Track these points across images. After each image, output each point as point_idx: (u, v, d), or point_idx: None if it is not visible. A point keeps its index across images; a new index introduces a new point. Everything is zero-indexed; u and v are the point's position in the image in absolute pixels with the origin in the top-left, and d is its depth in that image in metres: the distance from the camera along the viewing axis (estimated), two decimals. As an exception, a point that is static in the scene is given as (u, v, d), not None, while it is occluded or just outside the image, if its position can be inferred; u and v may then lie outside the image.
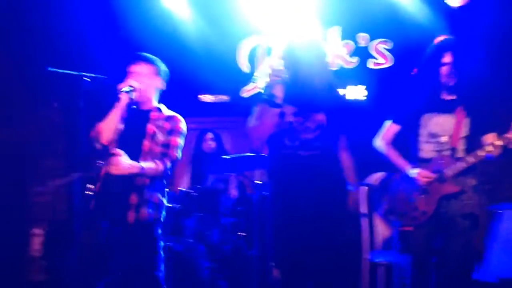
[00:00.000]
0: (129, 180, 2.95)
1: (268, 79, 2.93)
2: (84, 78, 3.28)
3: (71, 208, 5.07)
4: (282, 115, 2.92)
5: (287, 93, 2.91)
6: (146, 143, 3.04)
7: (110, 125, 2.99)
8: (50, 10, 5.02)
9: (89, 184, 3.57)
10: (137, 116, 3.07)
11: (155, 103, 3.15)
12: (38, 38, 5.04)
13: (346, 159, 3.09)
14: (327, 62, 3.13)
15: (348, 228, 3.38)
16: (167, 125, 3.10)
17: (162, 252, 3.09)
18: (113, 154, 2.89)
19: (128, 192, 2.98)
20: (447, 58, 3.10)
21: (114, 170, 2.86)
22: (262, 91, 3.11)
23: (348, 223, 3.33)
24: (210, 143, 5.01)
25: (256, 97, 3.12)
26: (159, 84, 3.16)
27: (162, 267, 3.08)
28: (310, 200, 2.92)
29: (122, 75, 3.36)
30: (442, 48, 3.15)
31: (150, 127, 3.06)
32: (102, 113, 3.85)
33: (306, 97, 2.97)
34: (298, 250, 2.95)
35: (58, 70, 3.45)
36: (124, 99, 2.98)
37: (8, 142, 4.73)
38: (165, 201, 3.13)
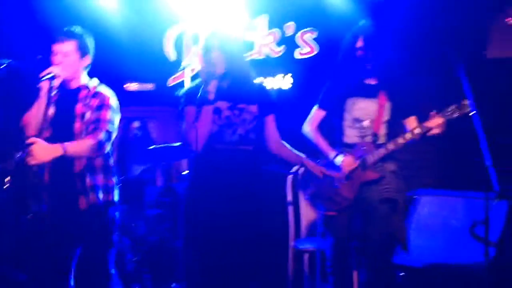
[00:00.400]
0: (67, 167, 2.89)
1: (200, 77, 2.86)
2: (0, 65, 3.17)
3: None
4: (217, 111, 2.86)
5: (218, 89, 2.86)
6: (77, 125, 2.94)
7: (36, 115, 2.87)
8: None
9: (7, 177, 3.45)
10: (66, 98, 2.97)
11: (84, 80, 3.04)
12: None
13: (281, 149, 3.06)
14: (245, 54, 3.12)
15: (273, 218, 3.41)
16: (95, 102, 3.00)
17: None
18: (28, 144, 2.77)
19: (70, 180, 2.90)
20: (359, 43, 3.22)
21: (32, 161, 2.72)
22: (190, 87, 3.02)
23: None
24: (136, 132, 4.97)
25: (186, 98, 3.00)
26: (86, 60, 3.05)
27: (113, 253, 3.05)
28: (234, 190, 2.89)
29: (40, 61, 3.26)
30: (355, 33, 3.26)
31: (79, 107, 2.96)
32: (18, 101, 3.70)
33: (238, 90, 2.93)
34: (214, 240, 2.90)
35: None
36: (45, 86, 2.86)
37: None
38: (114, 180, 3.06)
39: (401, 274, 3.59)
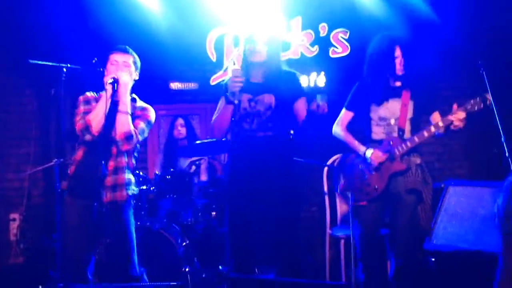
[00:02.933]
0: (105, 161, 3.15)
1: (229, 82, 3.25)
2: (63, 68, 3.50)
3: (46, 193, 5.29)
4: (239, 103, 3.26)
5: (246, 85, 3.25)
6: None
7: (99, 116, 3.16)
8: (28, 7, 5.13)
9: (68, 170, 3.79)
10: (114, 107, 3.22)
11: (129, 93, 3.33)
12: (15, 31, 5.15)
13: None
14: (280, 52, 3.45)
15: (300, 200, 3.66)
16: (138, 112, 3.33)
17: (133, 230, 3.29)
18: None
19: (104, 172, 3.15)
20: (397, 52, 3.35)
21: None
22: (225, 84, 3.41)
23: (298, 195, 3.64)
24: (180, 129, 5.13)
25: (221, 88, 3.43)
26: (135, 75, 3.37)
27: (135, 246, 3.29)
28: (265, 176, 3.23)
29: (94, 65, 3.58)
30: (393, 41, 3.38)
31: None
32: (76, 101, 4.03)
33: (257, 84, 3.33)
34: (249, 223, 3.27)
35: (39, 62, 3.65)
36: (109, 90, 3.16)
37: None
38: (133, 180, 3.32)
39: (432, 259, 3.66)
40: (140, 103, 3.41)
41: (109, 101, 3.16)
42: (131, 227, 3.30)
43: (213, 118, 3.41)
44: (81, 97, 3.38)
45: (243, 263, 3.28)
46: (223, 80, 3.56)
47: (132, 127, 3.21)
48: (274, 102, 3.32)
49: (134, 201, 3.37)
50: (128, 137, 3.19)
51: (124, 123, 3.18)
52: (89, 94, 3.40)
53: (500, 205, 2.66)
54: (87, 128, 3.19)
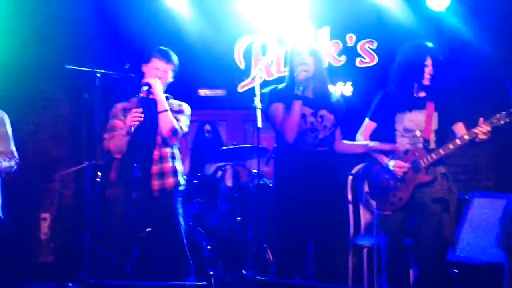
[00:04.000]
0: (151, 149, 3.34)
1: (297, 75, 3.28)
2: (97, 74, 3.64)
3: (77, 193, 5.43)
4: (302, 116, 3.31)
5: (303, 96, 3.28)
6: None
7: (120, 143, 3.33)
8: (63, 12, 5.30)
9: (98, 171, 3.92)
10: (151, 107, 3.36)
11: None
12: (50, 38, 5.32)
13: (345, 147, 3.49)
14: (323, 65, 3.51)
15: (342, 215, 3.73)
16: (177, 108, 3.49)
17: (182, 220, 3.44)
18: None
19: (150, 161, 3.34)
20: (428, 61, 3.34)
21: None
22: (272, 88, 3.46)
23: (342, 210, 3.68)
24: (207, 135, 5.24)
25: (271, 97, 3.42)
26: (171, 78, 3.51)
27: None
28: (318, 190, 3.30)
29: (127, 71, 3.70)
30: (424, 51, 3.37)
31: None
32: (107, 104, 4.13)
33: (321, 98, 3.38)
34: (299, 233, 3.32)
35: (75, 67, 3.80)
36: (144, 94, 3.33)
37: (24, 134, 4.99)
38: (180, 169, 3.48)
39: (455, 271, 3.66)
40: (174, 100, 3.55)
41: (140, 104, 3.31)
42: (179, 217, 3.45)
43: (277, 123, 3.35)
44: (112, 110, 3.50)
45: (286, 271, 3.34)
46: (272, 86, 3.58)
47: (175, 122, 3.36)
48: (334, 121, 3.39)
49: (183, 191, 3.52)
50: (174, 132, 3.36)
51: (167, 120, 3.34)
52: (119, 105, 3.50)
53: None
54: (108, 151, 3.39)
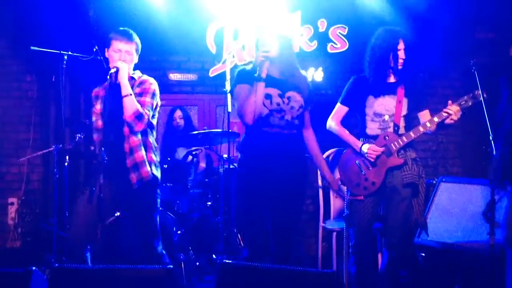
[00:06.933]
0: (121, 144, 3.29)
1: (256, 58, 3.22)
2: (64, 56, 3.58)
3: (44, 178, 5.35)
4: (268, 96, 3.23)
5: (270, 77, 3.23)
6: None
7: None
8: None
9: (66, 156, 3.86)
10: (116, 91, 3.30)
11: (130, 72, 3.40)
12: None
13: (311, 136, 3.45)
14: (292, 47, 3.45)
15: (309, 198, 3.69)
16: (138, 90, 3.37)
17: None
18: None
19: (123, 156, 3.29)
20: (401, 45, 3.36)
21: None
22: (241, 69, 3.38)
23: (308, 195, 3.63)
24: (179, 121, 5.21)
25: (239, 77, 3.36)
26: (136, 59, 3.44)
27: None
28: (284, 172, 3.24)
29: (95, 54, 3.64)
30: (396, 34, 3.39)
31: None
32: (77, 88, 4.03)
33: (288, 79, 3.31)
34: (261, 217, 3.28)
35: (41, 48, 3.72)
36: (112, 77, 3.27)
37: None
38: (156, 159, 3.41)
39: (422, 254, 3.77)
40: (137, 78, 3.43)
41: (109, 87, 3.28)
42: (157, 206, 3.41)
43: (238, 104, 3.28)
44: (93, 93, 3.48)
45: (255, 255, 3.31)
46: (240, 66, 3.51)
47: (139, 106, 3.27)
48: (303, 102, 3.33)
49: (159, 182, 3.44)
50: (138, 116, 3.26)
51: (130, 105, 3.25)
52: (94, 90, 3.49)
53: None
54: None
